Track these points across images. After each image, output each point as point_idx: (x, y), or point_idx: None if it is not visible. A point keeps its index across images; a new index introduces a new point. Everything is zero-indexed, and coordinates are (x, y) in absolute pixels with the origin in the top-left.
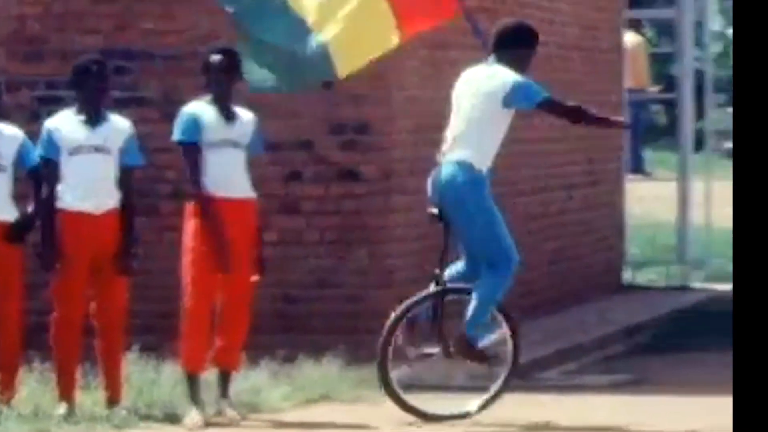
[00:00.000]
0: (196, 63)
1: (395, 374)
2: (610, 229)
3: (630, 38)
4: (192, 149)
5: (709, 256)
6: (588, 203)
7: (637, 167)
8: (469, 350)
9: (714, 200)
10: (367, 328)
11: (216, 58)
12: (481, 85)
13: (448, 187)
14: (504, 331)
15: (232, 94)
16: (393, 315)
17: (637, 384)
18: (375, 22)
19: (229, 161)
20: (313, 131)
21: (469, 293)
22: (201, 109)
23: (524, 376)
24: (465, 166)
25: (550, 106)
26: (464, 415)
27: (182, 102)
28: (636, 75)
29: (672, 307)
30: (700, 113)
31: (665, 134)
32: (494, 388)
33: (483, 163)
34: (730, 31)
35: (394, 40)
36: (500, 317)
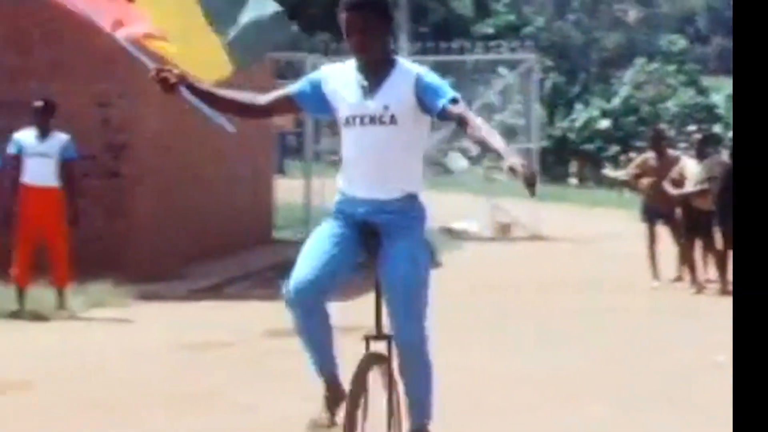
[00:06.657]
0: None
1: None
2: (265, 205)
3: None
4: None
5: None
6: (253, 190)
7: (281, 169)
8: None
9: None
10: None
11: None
12: None
13: None
14: None
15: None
16: None
17: None
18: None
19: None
20: None
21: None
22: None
23: (218, 291)
24: None
25: None
26: None
27: None
28: (285, 121)
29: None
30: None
31: (297, 152)
32: None
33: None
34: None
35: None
36: None
